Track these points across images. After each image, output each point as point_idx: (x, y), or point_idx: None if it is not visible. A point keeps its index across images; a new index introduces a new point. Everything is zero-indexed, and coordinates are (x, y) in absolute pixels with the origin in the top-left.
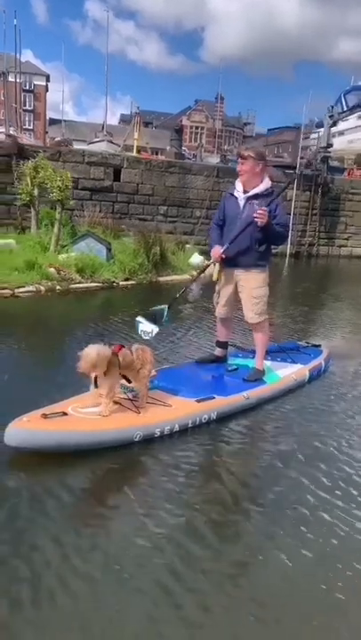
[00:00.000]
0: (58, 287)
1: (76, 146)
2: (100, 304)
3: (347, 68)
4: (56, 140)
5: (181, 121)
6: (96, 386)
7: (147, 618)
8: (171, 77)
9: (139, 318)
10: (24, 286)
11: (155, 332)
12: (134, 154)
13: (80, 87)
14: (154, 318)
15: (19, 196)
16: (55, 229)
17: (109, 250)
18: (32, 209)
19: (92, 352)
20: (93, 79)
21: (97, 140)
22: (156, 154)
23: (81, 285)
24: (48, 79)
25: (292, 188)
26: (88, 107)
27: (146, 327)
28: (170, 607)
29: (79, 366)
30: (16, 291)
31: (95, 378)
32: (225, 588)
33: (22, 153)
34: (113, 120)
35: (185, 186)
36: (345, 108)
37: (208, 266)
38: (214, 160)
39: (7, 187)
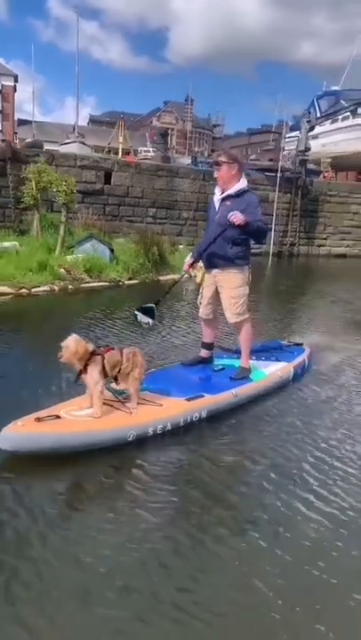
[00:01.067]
0: (70, 286)
1: (47, 147)
2: (109, 302)
3: (309, 69)
4: (27, 141)
5: (151, 122)
6: (76, 381)
7: (139, 619)
8: (136, 77)
9: (136, 312)
10: (39, 286)
11: (151, 324)
12: (120, 157)
13: (44, 87)
14: (148, 313)
15: (22, 200)
16: (61, 231)
17: (112, 251)
18: (36, 212)
19: (71, 343)
20: (57, 79)
21: (69, 141)
22: (127, 154)
23: (90, 285)
24: (16, 79)
25: (275, 191)
26: (52, 107)
27: (143, 319)
28: (162, 607)
29: (61, 356)
30: (32, 290)
31: (79, 373)
32: (221, 594)
33: (16, 157)
34: (81, 121)
35: (173, 188)
36: (318, 113)
37: (182, 277)
38: (185, 161)
39: (1, 190)
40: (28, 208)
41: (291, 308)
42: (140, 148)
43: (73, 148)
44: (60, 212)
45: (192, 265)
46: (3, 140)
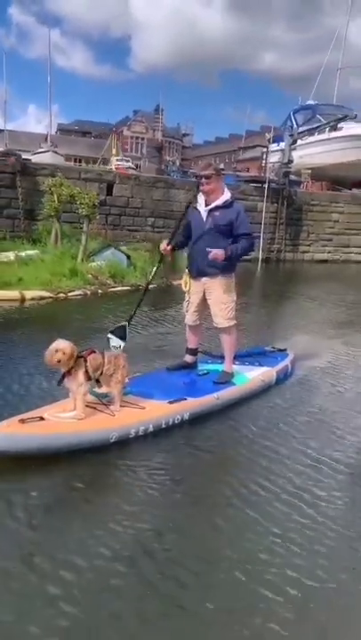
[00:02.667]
0: (99, 291)
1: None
2: (134, 303)
3: (271, 78)
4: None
5: (122, 131)
6: (59, 384)
7: (122, 627)
8: (100, 86)
9: (109, 335)
10: (74, 290)
11: (122, 346)
12: (113, 169)
13: (5, 95)
14: (120, 334)
15: (44, 211)
16: (83, 240)
17: (129, 258)
18: (56, 222)
19: (67, 347)
20: (18, 87)
21: (42, 150)
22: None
23: (115, 289)
24: None
25: (262, 201)
26: (15, 115)
27: (115, 342)
28: (150, 606)
29: (58, 360)
30: (69, 294)
31: (63, 375)
32: (206, 597)
33: (25, 170)
34: (40, 128)
35: (169, 199)
36: (295, 126)
37: (150, 282)
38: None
39: (11, 201)
40: (36, 218)
41: (278, 312)
42: (112, 157)
43: (46, 158)
44: (59, 222)
45: (170, 248)
46: (13, 155)
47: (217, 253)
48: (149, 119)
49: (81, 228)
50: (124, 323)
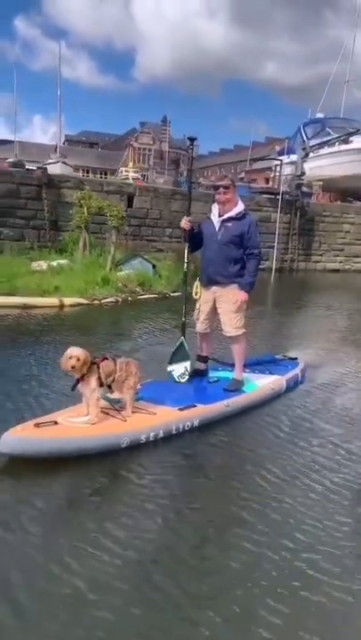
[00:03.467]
0: (129, 298)
1: (28, 166)
2: (163, 310)
3: (273, 88)
4: (8, 160)
5: (130, 142)
6: (73, 389)
7: (134, 628)
8: (105, 96)
9: (169, 369)
10: (106, 297)
11: (188, 368)
12: (130, 181)
13: (12, 105)
14: (179, 357)
15: (73, 222)
16: (111, 250)
17: (154, 267)
18: (85, 233)
19: (81, 354)
20: (24, 98)
21: (51, 161)
22: (105, 174)
23: (143, 297)
24: None
25: (276, 212)
26: (20, 126)
27: (178, 370)
28: (155, 613)
29: (72, 366)
30: (103, 301)
31: (77, 381)
32: (208, 602)
33: (50, 183)
34: (45, 139)
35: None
36: (305, 139)
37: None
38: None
39: (37, 213)
40: (60, 228)
41: (291, 320)
42: (120, 169)
43: (55, 169)
44: (88, 233)
45: (190, 225)
46: (39, 168)
47: (241, 299)
48: (156, 130)
49: (103, 238)
50: (179, 341)
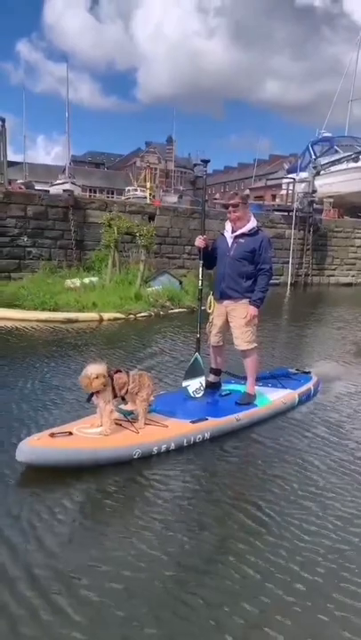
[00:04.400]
0: (161, 312)
1: (37, 187)
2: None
3: (274, 106)
4: (18, 182)
5: (135, 162)
6: (88, 401)
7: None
8: (108, 117)
9: (184, 384)
10: (141, 312)
11: (203, 384)
12: (147, 201)
13: (15, 127)
14: (193, 372)
15: (102, 241)
16: (141, 268)
17: (181, 283)
18: (115, 251)
19: (100, 373)
20: (28, 119)
21: (60, 181)
22: (112, 194)
23: (173, 311)
24: (4, 122)
25: (290, 228)
26: (19, 146)
27: (193, 386)
28: (171, 620)
29: (88, 384)
30: (137, 315)
31: (91, 394)
32: (231, 607)
33: (77, 205)
34: (62, 161)
35: (207, 228)
36: (313, 157)
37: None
38: (173, 199)
39: (64, 233)
40: (85, 248)
41: (306, 333)
42: (127, 188)
43: (65, 188)
44: (118, 252)
45: (205, 243)
46: (65, 190)
47: (252, 314)
48: (161, 150)
49: (127, 256)
50: (193, 357)
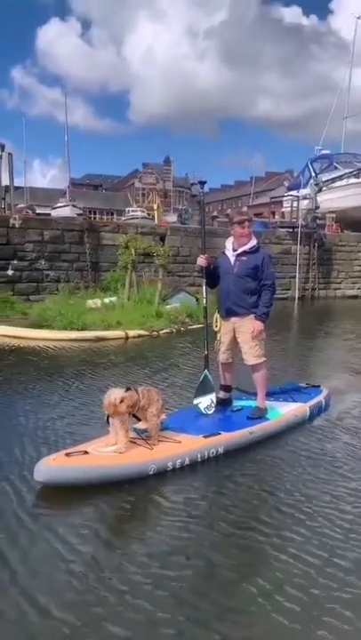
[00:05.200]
0: (182, 328)
1: (38, 210)
2: (213, 338)
3: (267, 123)
4: (19, 206)
5: (133, 183)
6: (108, 422)
7: None
8: (102, 139)
9: (195, 402)
10: (163, 329)
11: (214, 400)
12: (155, 222)
13: (14, 153)
14: (203, 389)
15: (120, 262)
16: (159, 287)
17: (197, 300)
18: (133, 272)
19: (111, 398)
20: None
21: (60, 204)
22: (111, 215)
23: (192, 327)
24: (3, 148)
25: (296, 244)
26: (19, 170)
27: (204, 403)
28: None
29: (105, 409)
30: (160, 332)
31: (108, 416)
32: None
33: (91, 228)
34: (61, 184)
35: (213, 247)
36: (313, 174)
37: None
38: (172, 218)
39: (80, 256)
40: (100, 269)
41: (315, 347)
42: (127, 209)
43: (65, 212)
44: (136, 272)
45: (208, 262)
46: (80, 215)
47: (258, 329)
48: (159, 170)
49: (140, 276)
50: (203, 374)
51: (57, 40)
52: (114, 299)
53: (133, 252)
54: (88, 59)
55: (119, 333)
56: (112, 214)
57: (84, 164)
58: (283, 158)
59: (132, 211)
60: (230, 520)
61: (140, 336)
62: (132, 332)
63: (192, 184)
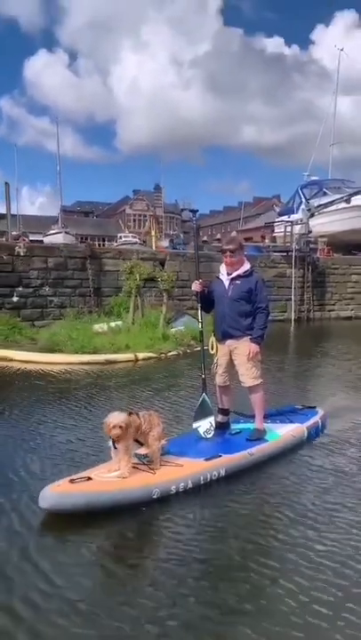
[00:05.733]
0: (188, 350)
1: (31, 237)
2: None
3: (252, 150)
4: (12, 233)
5: (125, 210)
6: (115, 447)
7: None
8: (92, 167)
9: (194, 425)
10: (170, 351)
11: (213, 424)
12: (153, 249)
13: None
14: (202, 413)
15: (125, 287)
16: (163, 310)
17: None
18: (138, 297)
19: (113, 420)
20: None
21: (53, 231)
22: (103, 241)
23: (197, 349)
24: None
25: (290, 267)
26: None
27: (204, 426)
28: None
29: (104, 430)
30: (168, 354)
31: (113, 440)
32: None
33: (94, 255)
34: (52, 211)
35: (211, 271)
36: (303, 199)
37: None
38: (165, 244)
39: (82, 282)
40: (102, 294)
41: (310, 367)
42: (119, 235)
43: (58, 238)
44: (141, 297)
45: (202, 287)
46: (82, 242)
47: (254, 351)
48: (150, 197)
49: (142, 300)
50: (201, 398)
51: (44, 71)
52: (119, 323)
53: (138, 277)
54: (75, 89)
55: (129, 356)
56: (104, 240)
57: (73, 192)
58: (269, 184)
59: (125, 236)
60: (232, 548)
61: (149, 358)
62: (141, 355)
63: (182, 210)
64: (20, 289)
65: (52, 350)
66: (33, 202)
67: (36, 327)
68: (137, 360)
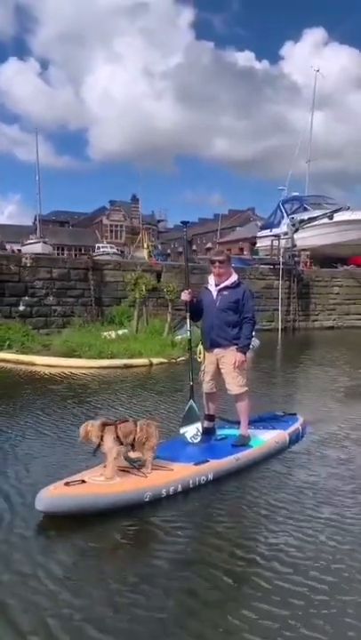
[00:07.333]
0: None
1: (7, 246)
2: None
3: (223, 162)
4: None
5: (101, 220)
6: (94, 453)
7: None
8: (65, 176)
9: (181, 431)
10: (180, 357)
11: (200, 429)
12: (146, 259)
13: None
14: (189, 419)
15: (130, 298)
16: (168, 319)
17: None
18: (143, 306)
19: (82, 428)
20: None
21: (31, 241)
22: (79, 251)
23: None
24: None
25: (277, 279)
26: None
27: (190, 432)
28: None
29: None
30: (178, 359)
31: (97, 445)
32: None
33: (95, 266)
34: (27, 220)
35: (204, 282)
36: (284, 215)
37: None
38: (143, 254)
39: (84, 292)
40: (103, 304)
41: (296, 374)
42: (97, 245)
43: (37, 248)
44: (146, 306)
45: (191, 297)
46: (84, 254)
47: (239, 360)
48: (126, 208)
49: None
50: (188, 404)
51: (15, 79)
52: (126, 331)
53: (144, 287)
54: (47, 97)
55: (144, 361)
56: (80, 250)
57: (49, 201)
58: (240, 196)
59: (103, 247)
60: (221, 540)
61: (161, 363)
62: (155, 360)
63: (159, 221)
64: (27, 298)
65: (69, 355)
66: (2, 211)
67: (42, 335)
68: (152, 365)
